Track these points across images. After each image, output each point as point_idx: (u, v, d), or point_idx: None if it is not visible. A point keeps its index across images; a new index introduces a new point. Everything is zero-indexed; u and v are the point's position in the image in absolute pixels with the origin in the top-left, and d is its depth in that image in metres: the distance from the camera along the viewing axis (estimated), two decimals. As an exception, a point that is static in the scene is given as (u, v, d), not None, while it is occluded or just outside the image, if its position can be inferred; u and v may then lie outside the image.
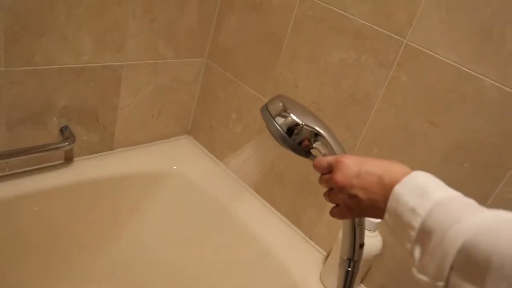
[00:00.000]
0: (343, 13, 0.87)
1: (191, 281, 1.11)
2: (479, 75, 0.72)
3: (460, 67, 0.74)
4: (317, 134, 0.61)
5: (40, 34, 0.84)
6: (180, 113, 1.24)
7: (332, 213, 0.57)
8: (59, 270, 1.05)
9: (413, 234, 0.41)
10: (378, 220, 0.85)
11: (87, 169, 1.04)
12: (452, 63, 0.75)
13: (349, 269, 0.63)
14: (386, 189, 0.47)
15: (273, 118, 0.60)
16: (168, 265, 1.12)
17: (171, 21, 1.04)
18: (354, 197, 0.50)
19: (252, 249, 1.03)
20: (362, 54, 0.87)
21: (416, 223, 0.41)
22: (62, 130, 1.00)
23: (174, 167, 1.13)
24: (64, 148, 0.99)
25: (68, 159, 1.05)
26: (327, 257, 1.00)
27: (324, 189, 0.59)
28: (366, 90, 0.88)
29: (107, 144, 1.10)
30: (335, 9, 0.88)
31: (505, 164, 0.72)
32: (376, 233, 0.87)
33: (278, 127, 0.60)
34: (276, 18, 1.00)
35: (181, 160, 1.18)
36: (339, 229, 0.92)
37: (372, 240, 0.86)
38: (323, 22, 0.91)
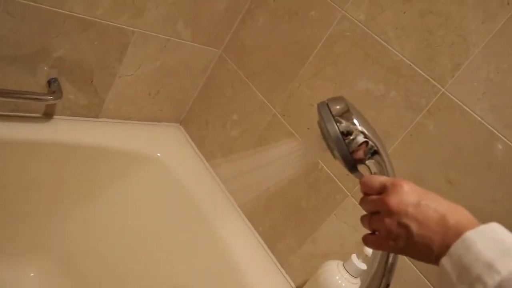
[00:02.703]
0: (384, 43, 0.82)
1: (141, 273, 1.01)
2: (513, 145, 0.68)
3: (495, 131, 0.69)
4: (375, 150, 0.55)
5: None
6: (178, 99, 1.15)
7: (367, 240, 0.50)
8: (2, 232, 0.94)
9: None
10: (364, 267, 0.79)
11: (66, 130, 0.94)
12: (488, 125, 0.70)
13: None
14: (448, 231, 0.41)
15: (333, 117, 0.54)
16: (123, 253, 1.02)
17: (198, 0, 0.97)
18: (404, 226, 0.44)
19: (218, 260, 0.94)
20: (392, 90, 0.81)
21: (492, 280, 0.35)
22: (50, 82, 0.90)
23: (158, 154, 1.04)
24: (47, 102, 0.89)
25: (48, 115, 0.94)
26: (296, 290, 0.93)
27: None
28: (385, 129, 0.82)
29: (94, 110, 1.01)
30: (376, 36, 0.83)
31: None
32: (358, 280, 0.81)
33: (337, 127, 0.54)
34: (309, 30, 0.94)
35: (166, 149, 1.09)
36: (317, 267, 0.86)
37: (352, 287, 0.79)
38: (359, 47, 0.86)
